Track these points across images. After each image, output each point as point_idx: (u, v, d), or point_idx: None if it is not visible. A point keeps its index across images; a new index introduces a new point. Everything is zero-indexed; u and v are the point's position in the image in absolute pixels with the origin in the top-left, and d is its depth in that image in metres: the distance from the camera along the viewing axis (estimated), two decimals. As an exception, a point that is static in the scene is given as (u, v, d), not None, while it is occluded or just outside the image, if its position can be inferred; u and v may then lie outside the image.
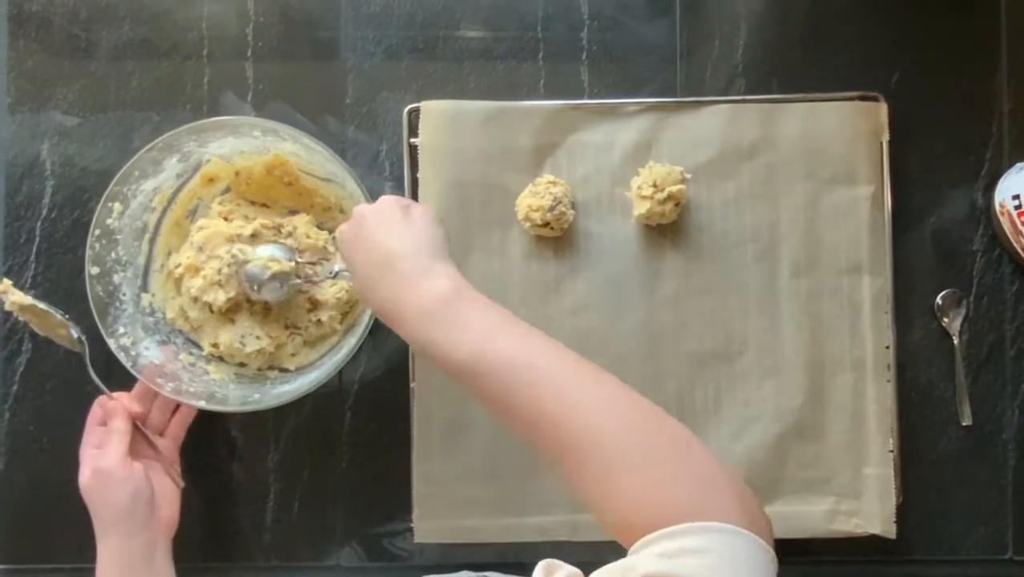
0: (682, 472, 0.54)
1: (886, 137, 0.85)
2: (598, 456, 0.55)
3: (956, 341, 0.85)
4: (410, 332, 0.64)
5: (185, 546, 0.86)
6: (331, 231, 0.86)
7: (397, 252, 0.66)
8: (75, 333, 0.80)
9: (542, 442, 0.58)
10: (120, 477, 0.75)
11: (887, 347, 0.84)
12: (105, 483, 0.75)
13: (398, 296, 0.65)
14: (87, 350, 0.80)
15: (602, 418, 0.57)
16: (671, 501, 0.52)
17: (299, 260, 0.82)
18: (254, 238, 0.83)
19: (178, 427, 0.83)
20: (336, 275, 0.78)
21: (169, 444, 0.82)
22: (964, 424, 0.85)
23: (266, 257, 0.81)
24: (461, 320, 0.62)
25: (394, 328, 0.66)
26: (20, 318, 0.80)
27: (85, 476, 0.76)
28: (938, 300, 0.85)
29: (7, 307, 0.78)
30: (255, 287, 0.81)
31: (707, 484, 0.53)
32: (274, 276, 0.80)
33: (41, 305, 0.79)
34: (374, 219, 0.69)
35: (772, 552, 0.51)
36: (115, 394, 0.80)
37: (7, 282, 0.78)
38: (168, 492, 0.80)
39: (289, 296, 0.83)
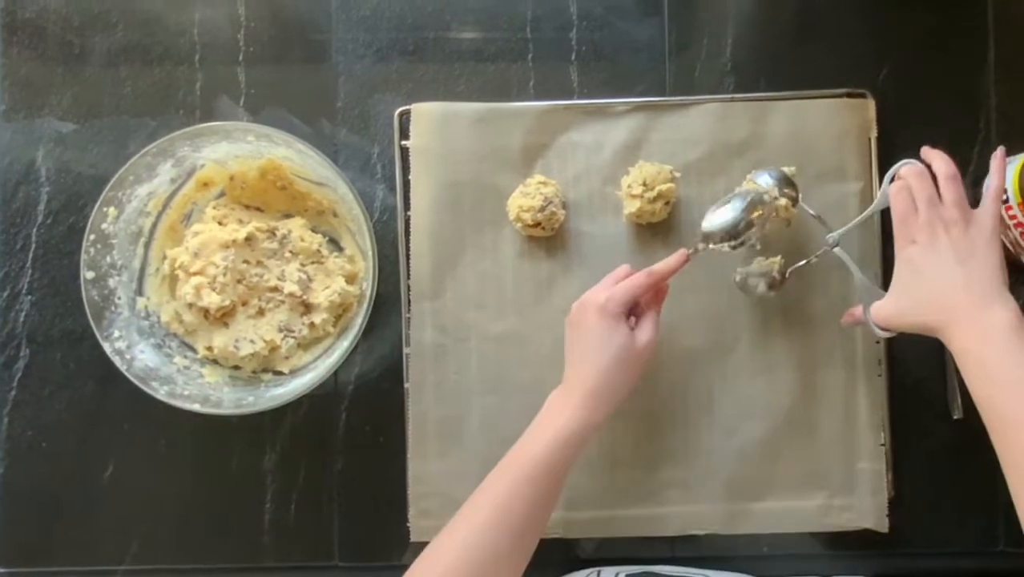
0: None
1: (874, 133, 0.85)
2: None
3: (947, 335, 0.86)
4: None
5: (182, 547, 0.87)
6: (325, 234, 0.86)
7: None
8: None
9: None
10: (649, 357, 0.76)
11: (877, 342, 0.84)
12: (639, 361, 0.75)
13: None
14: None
15: None
16: None
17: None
18: (248, 242, 0.83)
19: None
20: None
21: None
22: (955, 417, 0.85)
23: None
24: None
25: None
26: None
27: (630, 350, 0.74)
28: (928, 295, 0.86)
29: None
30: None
31: None
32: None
33: None
34: None
35: None
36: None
37: None
38: None
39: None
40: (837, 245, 0.80)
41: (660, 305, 0.78)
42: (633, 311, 0.77)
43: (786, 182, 0.80)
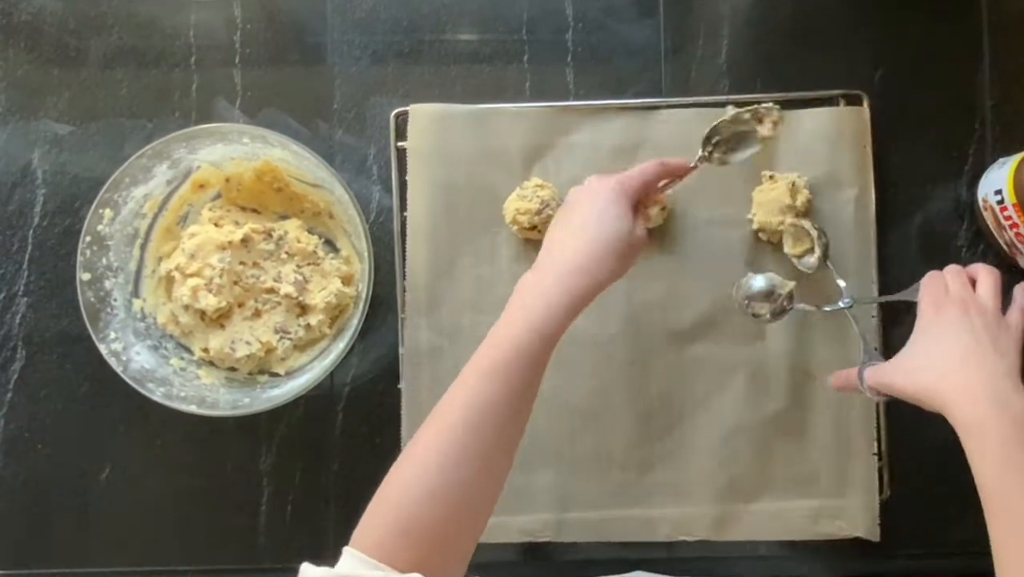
0: None
1: (869, 141, 0.85)
2: None
3: (942, 336, 0.86)
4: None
5: (178, 549, 0.87)
6: (321, 236, 0.87)
7: None
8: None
9: None
10: (638, 250, 0.72)
11: (875, 348, 0.84)
12: (629, 252, 0.70)
13: None
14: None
15: None
16: None
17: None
18: (244, 243, 0.83)
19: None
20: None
21: None
22: (951, 418, 0.85)
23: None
24: None
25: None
26: None
27: (624, 232, 0.67)
28: (924, 295, 0.86)
29: None
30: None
31: None
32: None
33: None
34: None
35: None
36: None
37: None
38: None
39: None
40: (851, 307, 0.80)
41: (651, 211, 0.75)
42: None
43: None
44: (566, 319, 0.65)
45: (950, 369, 0.66)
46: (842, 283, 0.81)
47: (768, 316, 0.81)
